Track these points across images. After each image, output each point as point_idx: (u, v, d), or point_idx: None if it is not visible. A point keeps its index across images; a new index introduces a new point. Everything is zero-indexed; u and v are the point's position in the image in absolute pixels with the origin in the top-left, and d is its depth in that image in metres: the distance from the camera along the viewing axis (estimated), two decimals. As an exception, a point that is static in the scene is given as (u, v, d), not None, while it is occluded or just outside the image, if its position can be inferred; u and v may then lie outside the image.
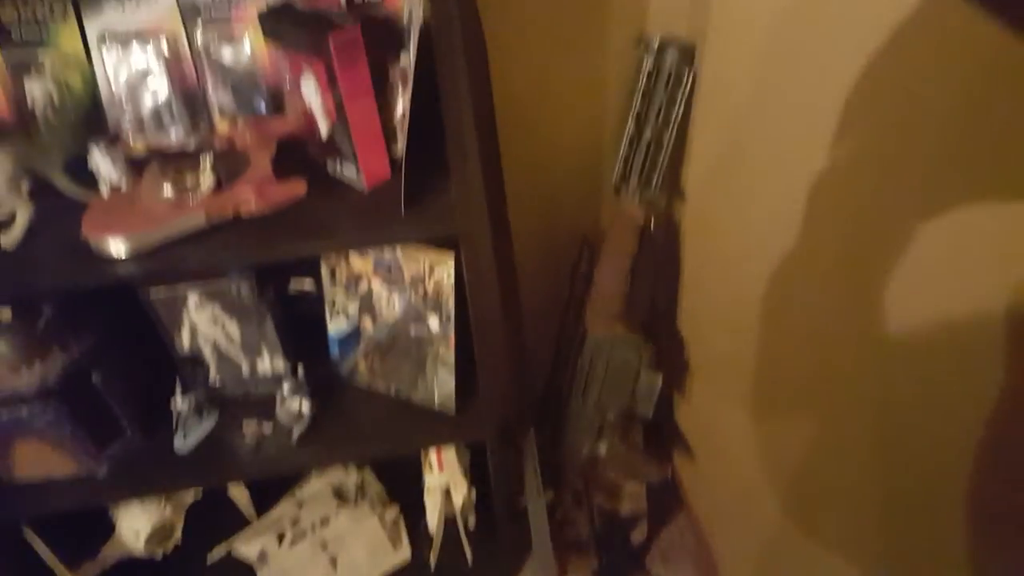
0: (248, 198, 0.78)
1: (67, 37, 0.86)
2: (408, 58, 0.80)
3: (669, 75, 1.02)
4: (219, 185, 0.79)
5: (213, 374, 1.12)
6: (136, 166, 0.83)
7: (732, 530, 1.25)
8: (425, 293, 1.03)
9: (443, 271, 1.00)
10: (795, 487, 0.96)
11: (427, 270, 1.01)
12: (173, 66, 0.88)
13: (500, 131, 1.09)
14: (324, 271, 1.07)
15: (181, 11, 0.86)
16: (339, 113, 0.79)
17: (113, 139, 0.89)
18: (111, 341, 1.02)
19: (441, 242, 0.83)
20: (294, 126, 0.82)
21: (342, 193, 0.85)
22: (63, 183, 0.83)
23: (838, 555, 0.86)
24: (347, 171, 0.85)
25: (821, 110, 0.72)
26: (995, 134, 0.51)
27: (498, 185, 1.07)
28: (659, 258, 1.24)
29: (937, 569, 0.66)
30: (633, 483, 1.37)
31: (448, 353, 1.07)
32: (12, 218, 0.81)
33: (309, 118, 0.83)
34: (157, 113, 0.89)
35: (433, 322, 1.06)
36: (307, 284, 1.13)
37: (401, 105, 0.84)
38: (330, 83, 0.76)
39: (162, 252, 0.79)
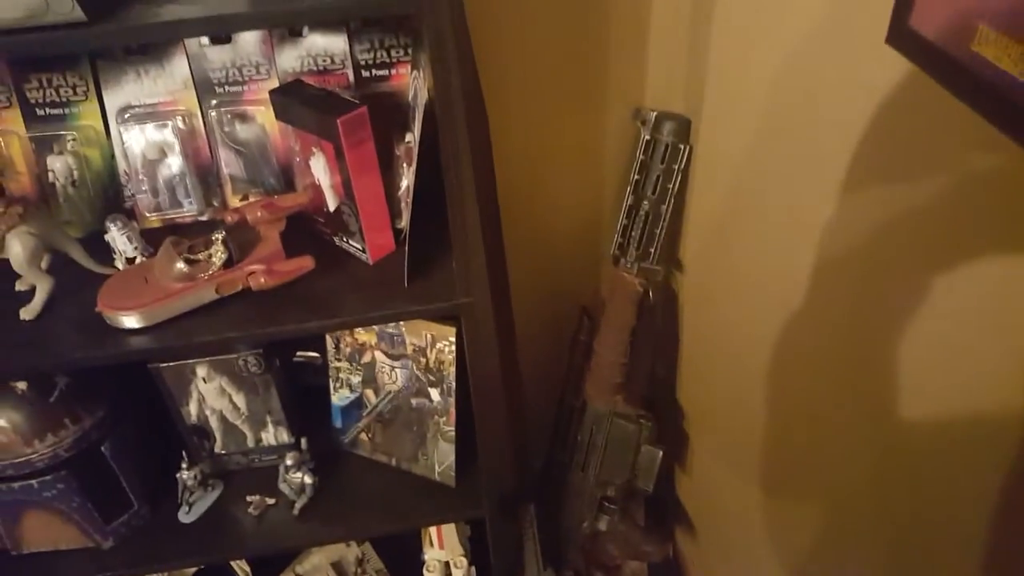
0: (258, 273, 0.81)
1: (89, 114, 0.90)
2: (413, 135, 0.85)
3: (666, 148, 1.06)
4: (230, 260, 0.82)
5: (219, 446, 1.13)
6: (151, 240, 0.87)
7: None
8: (427, 365, 1.05)
9: (444, 344, 1.01)
10: (800, 565, 0.94)
11: (429, 342, 1.03)
12: (188, 142, 0.92)
13: (500, 199, 1.13)
14: (328, 342, 1.08)
15: (196, 88, 0.91)
16: (346, 190, 0.82)
17: (129, 214, 0.93)
18: (121, 413, 1.03)
19: (444, 314, 0.85)
20: (304, 202, 0.85)
21: (348, 265, 0.88)
22: (81, 257, 0.87)
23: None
24: (353, 244, 0.88)
25: (816, 182, 0.74)
26: (996, 203, 0.51)
27: (499, 256, 1.10)
28: (658, 329, 1.26)
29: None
30: (634, 562, 1.34)
31: (449, 426, 1.08)
32: (32, 291, 0.83)
33: (318, 193, 0.86)
34: (172, 187, 0.93)
35: (434, 394, 1.06)
36: (314, 356, 1.15)
37: (406, 180, 0.88)
38: (338, 161, 0.80)
39: (173, 326, 0.81)
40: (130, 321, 0.79)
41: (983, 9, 0.47)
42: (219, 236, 0.81)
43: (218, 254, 0.81)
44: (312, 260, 0.83)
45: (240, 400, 1.08)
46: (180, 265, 0.80)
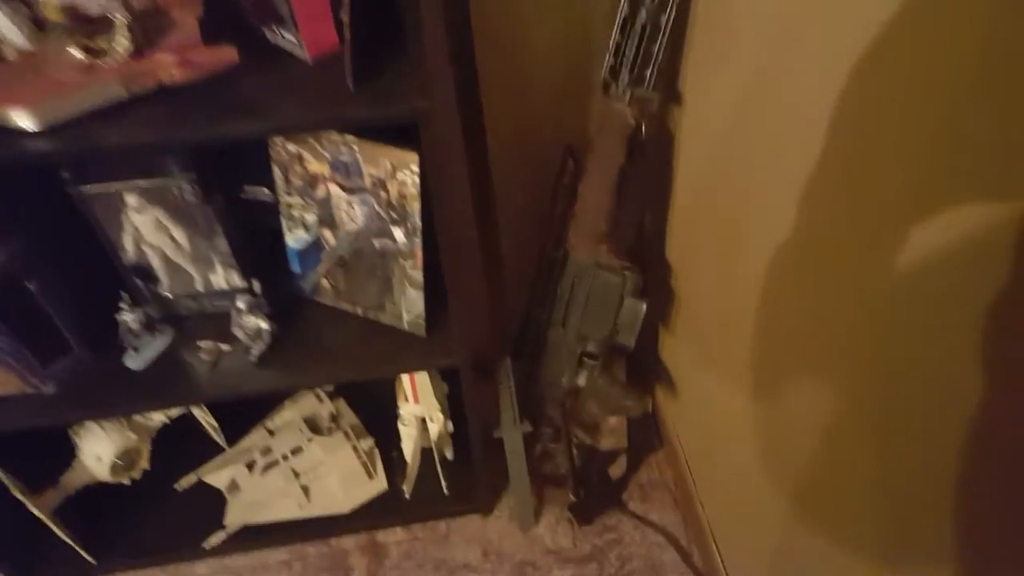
0: (171, 65, 0.67)
1: None
2: None
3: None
4: (138, 51, 0.68)
5: (165, 287, 1.03)
6: (46, 30, 0.73)
7: (712, 468, 1.17)
8: (388, 200, 0.93)
9: (406, 173, 0.89)
10: (778, 432, 0.87)
11: (388, 172, 0.91)
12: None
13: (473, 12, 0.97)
14: (276, 173, 0.96)
15: None
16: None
17: None
18: (47, 246, 0.92)
19: (398, 122, 0.72)
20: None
21: (282, 63, 0.75)
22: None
23: (819, 495, 0.78)
24: (287, 38, 0.74)
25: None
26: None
27: (468, 60, 0.95)
28: (650, 171, 1.13)
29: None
30: (613, 417, 1.29)
31: (415, 270, 0.98)
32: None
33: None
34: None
35: (398, 233, 0.96)
36: (263, 192, 1.03)
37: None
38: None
39: (77, 127, 0.68)
40: (22, 119, 0.67)
41: None
42: (121, 19, 0.67)
43: (120, 39, 0.67)
44: (235, 51, 0.69)
45: (180, 236, 0.97)
46: (74, 51, 0.66)
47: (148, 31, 0.68)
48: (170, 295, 1.05)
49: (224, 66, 0.70)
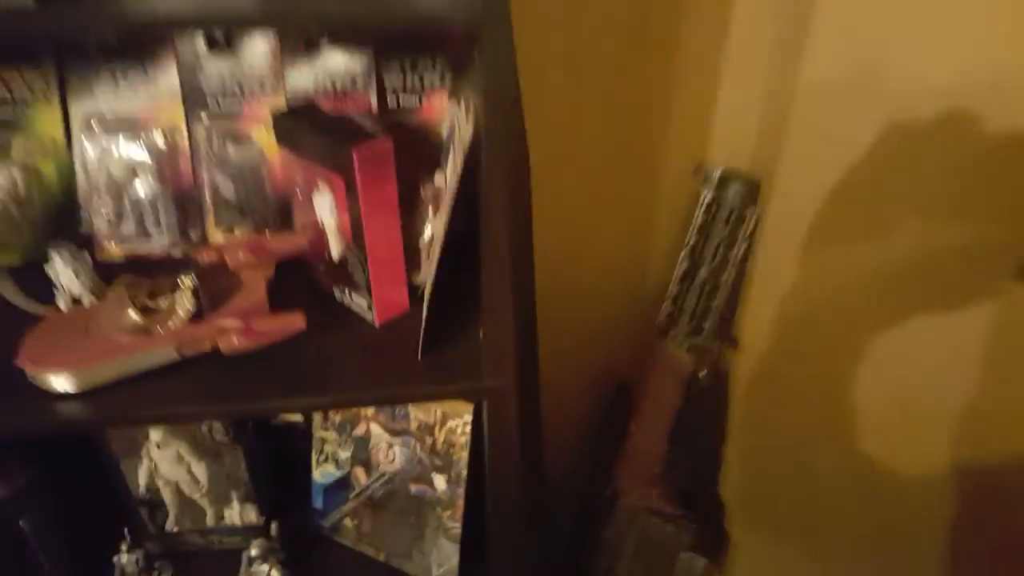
0: (232, 332, 0.62)
1: (46, 119, 0.74)
2: (444, 177, 0.68)
3: (731, 211, 0.91)
4: (199, 312, 0.64)
5: (172, 522, 0.93)
6: (109, 277, 0.69)
7: None
8: (433, 446, 0.87)
9: (457, 423, 0.83)
10: None
11: (438, 420, 0.85)
12: (166, 161, 0.75)
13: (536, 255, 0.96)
14: (316, 408, 0.90)
15: (185, 99, 0.74)
16: (356, 234, 0.65)
17: (84, 242, 0.75)
18: (48, 481, 0.83)
19: (465, 396, 0.67)
20: (301, 245, 0.68)
21: (349, 326, 0.70)
22: (9, 291, 0.69)
23: None
24: (357, 301, 0.70)
25: (899, 265, 0.58)
26: None
27: (531, 324, 0.92)
28: (707, 415, 1.08)
29: None
30: None
31: (454, 521, 0.89)
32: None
33: (319, 236, 0.69)
34: (141, 213, 0.75)
35: (439, 481, 0.88)
36: (296, 421, 0.97)
37: (429, 229, 0.71)
38: (349, 199, 0.63)
39: (115, 392, 0.62)
40: (60, 383, 0.61)
41: None
42: (188, 280, 0.63)
43: (184, 303, 0.63)
44: (303, 318, 0.65)
45: (200, 471, 0.89)
46: (132, 314, 0.62)
47: (213, 292, 0.64)
48: (176, 529, 0.94)
49: (290, 333, 0.65)
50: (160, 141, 0.74)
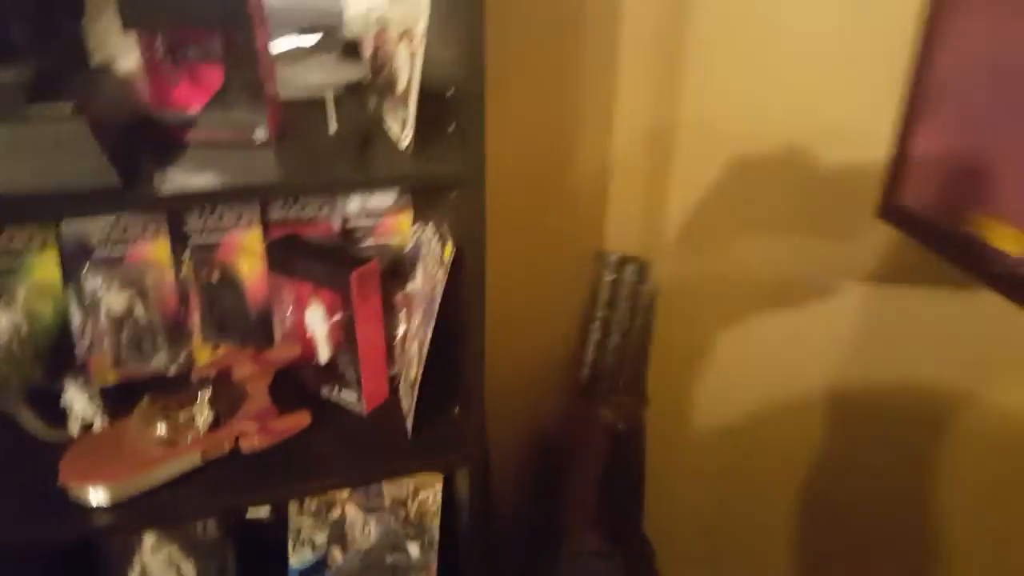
0: (251, 434, 0.74)
1: (43, 266, 0.82)
2: (415, 286, 0.83)
3: (630, 288, 1.11)
4: (216, 421, 0.75)
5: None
6: (109, 399, 0.78)
7: None
8: (407, 517, 0.98)
9: (429, 494, 0.95)
10: None
11: (410, 493, 0.96)
12: (156, 294, 0.85)
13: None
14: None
15: (172, 239, 0.85)
16: (347, 340, 0.79)
17: (81, 368, 0.83)
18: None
19: (448, 470, 0.82)
20: (297, 354, 0.80)
21: (338, 417, 0.83)
22: (28, 420, 0.76)
23: None
24: (345, 395, 0.83)
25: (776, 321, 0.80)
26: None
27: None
28: (628, 463, 1.26)
29: None
30: None
31: (428, 583, 1.00)
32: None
33: (307, 344, 0.82)
34: (137, 340, 0.85)
35: (412, 548, 0.99)
36: (263, 512, 1.04)
37: (403, 327, 0.86)
38: (343, 312, 0.77)
39: (146, 499, 0.71)
40: (99, 496, 0.69)
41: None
42: (204, 394, 0.74)
43: (203, 415, 0.73)
44: (308, 415, 0.77)
45: (189, 570, 0.95)
46: (161, 429, 0.72)
47: (225, 402, 0.75)
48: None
49: (298, 429, 0.77)
50: (149, 277, 0.85)
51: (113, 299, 0.83)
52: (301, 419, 0.77)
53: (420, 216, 0.87)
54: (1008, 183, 0.57)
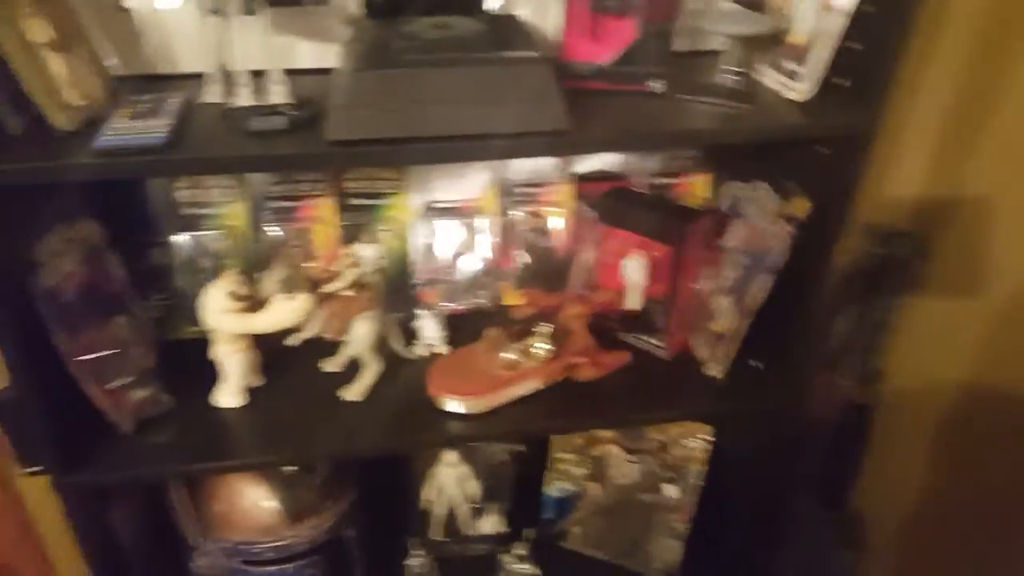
0: (584, 366, 0.83)
1: (397, 207, 0.93)
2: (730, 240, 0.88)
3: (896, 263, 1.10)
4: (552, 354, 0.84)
5: (436, 532, 1.10)
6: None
7: None
8: (667, 461, 1.05)
9: (696, 441, 1.01)
10: None
11: (673, 438, 1.03)
12: (484, 238, 0.95)
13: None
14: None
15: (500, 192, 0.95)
16: (666, 290, 0.85)
17: (415, 301, 0.95)
18: (366, 499, 1.01)
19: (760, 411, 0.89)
20: (613, 301, 0.88)
21: (644, 361, 0.90)
22: (397, 343, 0.88)
23: None
24: (648, 340, 0.91)
25: None
26: None
27: None
28: (857, 434, 1.28)
29: None
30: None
31: (681, 523, 1.07)
32: (345, 372, 0.85)
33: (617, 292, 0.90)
34: (463, 279, 0.95)
35: (671, 490, 1.06)
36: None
37: (712, 282, 0.90)
38: (668, 263, 0.84)
39: (496, 414, 0.82)
40: (456, 406, 0.80)
41: None
42: (547, 329, 0.83)
43: (544, 346, 0.83)
44: (628, 353, 0.86)
45: (474, 488, 1.06)
46: (510, 355, 0.81)
47: (558, 338, 0.84)
48: (446, 540, 1.10)
49: (622, 364, 0.86)
50: (480, 223, 0.95)
51: (446, 240, 0.94)
52: (622, 356, 0.85)
53: (728, 175, 0.91)
54: None
